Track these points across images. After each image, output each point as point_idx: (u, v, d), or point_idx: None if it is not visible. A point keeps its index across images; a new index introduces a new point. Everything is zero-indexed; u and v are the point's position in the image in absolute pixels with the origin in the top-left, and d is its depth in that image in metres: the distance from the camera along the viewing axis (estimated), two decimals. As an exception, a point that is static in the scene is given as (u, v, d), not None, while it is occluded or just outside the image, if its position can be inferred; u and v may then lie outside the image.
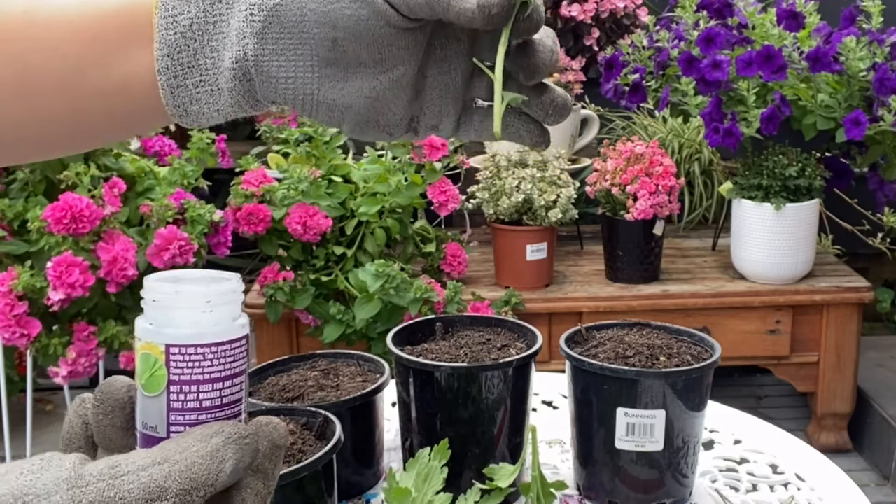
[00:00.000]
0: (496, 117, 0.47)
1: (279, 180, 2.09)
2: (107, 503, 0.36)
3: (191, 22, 0.46)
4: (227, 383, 0.42)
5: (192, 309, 0.41)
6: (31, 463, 0.37)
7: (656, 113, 2.68)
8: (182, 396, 0.41)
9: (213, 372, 0.41)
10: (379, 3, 0.45)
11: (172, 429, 0.41)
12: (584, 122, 2.60)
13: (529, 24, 0.47)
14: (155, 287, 0.42)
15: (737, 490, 0.90)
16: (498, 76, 0.47)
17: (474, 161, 2.46)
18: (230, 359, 0.42)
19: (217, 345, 0.41)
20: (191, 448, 0.38)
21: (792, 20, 2.09)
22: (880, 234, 2.49)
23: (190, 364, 0.41)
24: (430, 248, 2.18)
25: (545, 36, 0.49)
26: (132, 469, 0.37)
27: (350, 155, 2.23)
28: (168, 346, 0.41)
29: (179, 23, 0.46)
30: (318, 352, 0.97)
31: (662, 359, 0.84)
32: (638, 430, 0.81)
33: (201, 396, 0.41)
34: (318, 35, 0.46)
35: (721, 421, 1.03)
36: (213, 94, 0.47)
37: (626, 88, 2.30)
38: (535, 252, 2.22)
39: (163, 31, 0.46)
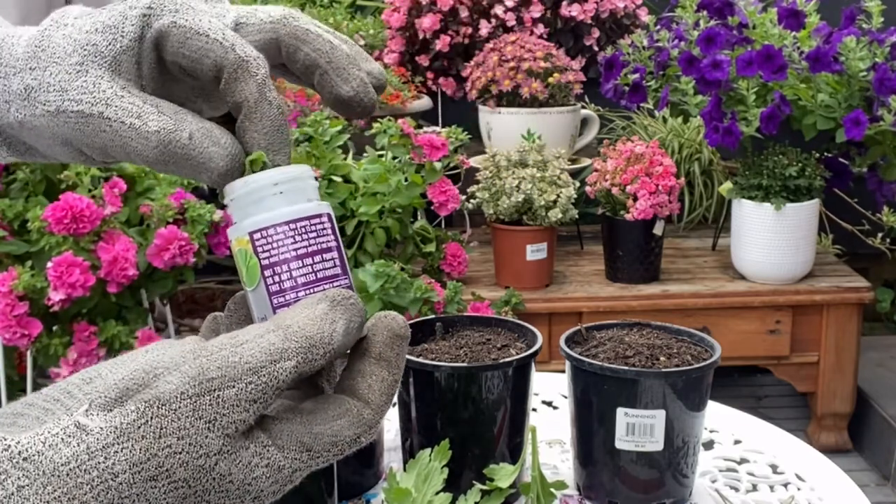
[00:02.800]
0: None
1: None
2: (233, 367, 0.37)
3: None
4: (317, 258, 0.43)
5: (264, 195, 0.43)
6: (153, 345, 0.39)
7: (656, 113, 2.68)
8: (277, 278, 0.42)
9: (299, 248, 0.43)
10: (87, 156, 0.46)
11: (278, 312, 0.43)
12: (584, 122, 2.60)
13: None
14: (229, 188, 0.43)
15: (737, 490, 0.90)
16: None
17: (474, 161, 2.46)
18: (313, 234, 0.43)
19: (294, 221, 0.43)
20: (300, 314, 0.39)
21: (792, 19, 2.09)
22: (880, 234, 2.49)
23: (275, 245, 0.42)
24: (430, 248, 2.18)
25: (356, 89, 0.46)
26: (250, 337, 0.38)
27: (350, 155, 2.23)
28: (251, 234, 0.43)
29: None
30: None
31: (662, 359, 0.84)
32: (638, 430, 0.81)
33: (294, 274, 0.42)
34: (51, 152, 0.47)
35: (721, 421, 1.03)
36: None
37: (626, 88, 2.30)
38: (535, 252, 2.22)
39: None
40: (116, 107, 0.43)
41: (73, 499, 0.33)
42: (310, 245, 0.43)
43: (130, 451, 0.34)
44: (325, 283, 0.43)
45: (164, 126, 0.43)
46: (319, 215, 0.43)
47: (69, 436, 0.34)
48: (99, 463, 0.34)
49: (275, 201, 0.43)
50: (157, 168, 0.44)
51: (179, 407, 0.35)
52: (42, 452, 0.33)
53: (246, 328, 0.39)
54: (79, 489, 0.33)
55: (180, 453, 0.35)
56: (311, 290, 0.43)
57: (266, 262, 0.42)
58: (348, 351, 0.42)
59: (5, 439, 0.33)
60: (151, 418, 0.35)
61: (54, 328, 1.87)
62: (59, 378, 1.86)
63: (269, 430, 0.38)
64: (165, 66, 0.45)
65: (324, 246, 0.43)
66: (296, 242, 0.42)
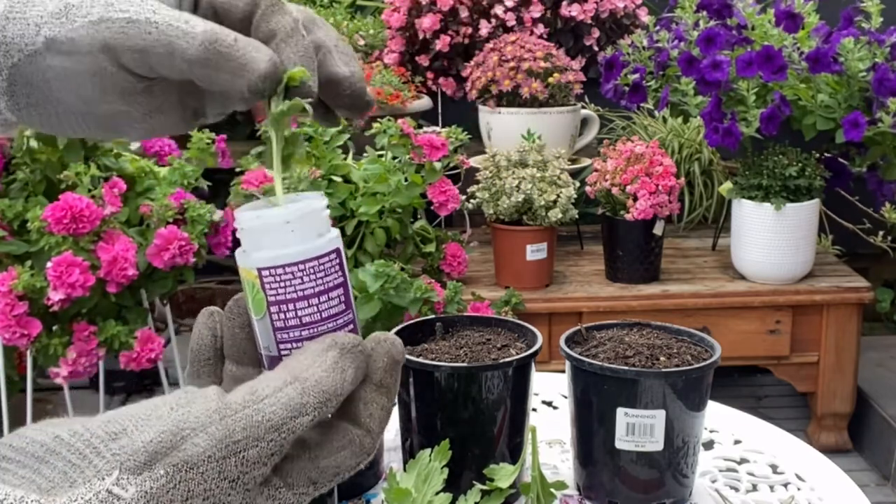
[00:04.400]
0: (277, 189, 0.45)
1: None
2: (257, 427, 0.38)
3: None
4: (323, 297, 0.43)
5: (275, 232, 0.43)
6: (176, 398, 0.39)
7: (656, 113, 2.68)
8: (282, 315, 0.43)
9: (307, 289, 0.43)
10: (121, 76, 0.45)
11: (281, 346, 0.43)
12: (584, 122, 2.60)
13: (301, 95, 0.45)
14: (240, 217, 0.43)
15: (737, 490, 0.90)
16: (276, 155, 0.45)
17: (474, 161, 2.46)
18: (321, 274, 0.43)
19: (305, 262, 0.43)
20: (313, 365, 0.40)
21: (790, 21, 2.09)
22: (881, 233, 2.49)
23: (283, 284, 0.43)
24: (430, 248, 2.18)
25: (351, 80, 0.47)
26: (270, 392, 0.39)
27: (350, 155, 2.23)
28: (259, 270, 0.43)
29: None
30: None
31: (662, 359, 0.84)
32: (638, 430, 0.81)
33: (300, 313, 0.43)
34: (65, 97, 0.46)
35: (721, 421, 1.03)
36: None
37: (626, 88, 2.30)
38: (535, 252, 2.22)
39: None
40: (164, 14, 0.43)
41: None
42: (317, 286, 0.43)
43: None
44: (330, 322, 0.44)
45: (210, 27, 0.43)
46: (329, 253, 0.43)
47: (101, 502, 0.35)
48: None
49: (286, 238, 0.43)
50: (195, 71, 0.43)
51: (207, 470, 0.37)
52: None
53: (261, 378, 0.40)
54: None
55: None
56: (316, 329, 0.43)
57: (273, 298, 0.43)
58: None
59: None
60: (180, 482, 0.36)
61: (54, 328, 1.87)
62: (59, 379, 1.86)
63: (280, 471, 0.40)
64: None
65: (331, 284, 0.44)
66: (303, 283, 0.43)
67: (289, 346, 0.43)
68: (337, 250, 0.44)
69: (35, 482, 0.35)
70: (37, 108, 0.47)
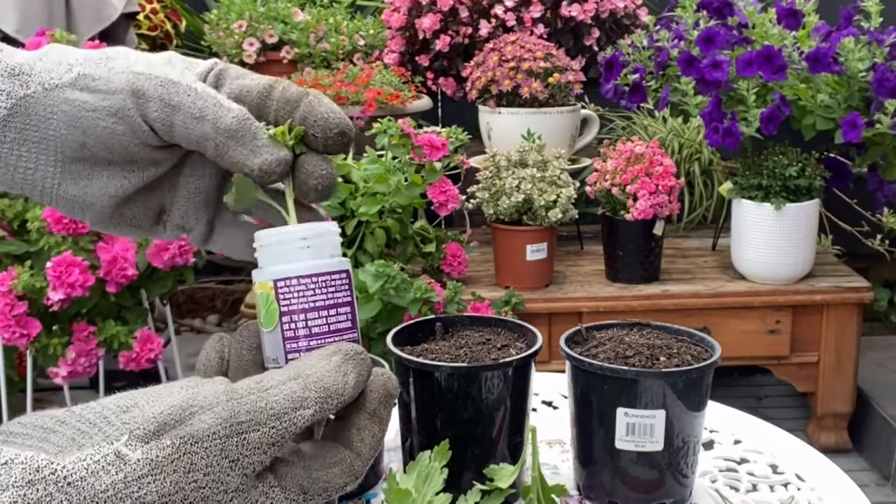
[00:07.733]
0: (291, 219, 0.49)
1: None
2: (260, 412, 0.40)
3: None
4: (332, 311, 0.46)
5: (291, 247, 0.46)
6: (185, 382, 0.42)
7: (656, 113, 2.68)
8: (293, 325, 0.46)
9: (318, 300, 0.46)
10: (138, 123, 0.47)
11: (289, 356, 0.46)
12: (584, 122, 2.60)
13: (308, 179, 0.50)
14: (260, 235, 0.47)
15: (737, 490, 0.90)
16: (291, 215, 0.49)
17: (474, 161, 2.45)
18: (332, 289, 0.47)
19: (317, 275, 0.46)
20: (317, 365, 0.43)
21: (791, 19, 2.09)
22: (879, 236, 2.49)
23: (296, 294, 0.46)
24: (430, 248, 2.18)
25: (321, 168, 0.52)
26: (274, 384, 0.41)
27: (350, 155, 2.23)
28: (276, 282, 0.46)
29: None
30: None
31: (662, 359, 0.84)
32: (638, 430, 0.81)
33: (310, 323, 0.46)
34: (65, 136, 0.48)
35: (721, 421, 1.03)
36: None
37: (626, 88, 2.30)
38: (535, 252, 2.22)
39: None
40: (204, 86, 0.48)
41: None
42: (327, 299, 0.46)
43: (161, 484, 0.37)
44: (336, 336, 0.46)
45: (242, 109, 0.48)
46: (340, 271, 0.47)
47: (109, 464, 0.36)
48: (133, 492, 0.36)
49: (301, 254, 0.46)
50: (218, 139, 0.47)
51: (210, 446, 0.38)
52: (85, 479, 0.35)
53: (267, 373, 0.42)
54: None
55: (204, 488, 0.38)
56: (323, 341, 0.46)
57: (286, 308, 0.46)
58: None
59: (52, 463, 0.35)
60: (184, 454, 0.38)
61: (54, 328, 1.87)
62: (58, 379, 1.86)
63: (276, 472, 0.41)
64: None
65: (339, 301, 0.47)
66: (315, 295, 0.46)
67: (296, 355, 0.46)
68: (347, 272, 0.47)
69: (43, 449, 0.36)
70: (22, 146, 0.48)
